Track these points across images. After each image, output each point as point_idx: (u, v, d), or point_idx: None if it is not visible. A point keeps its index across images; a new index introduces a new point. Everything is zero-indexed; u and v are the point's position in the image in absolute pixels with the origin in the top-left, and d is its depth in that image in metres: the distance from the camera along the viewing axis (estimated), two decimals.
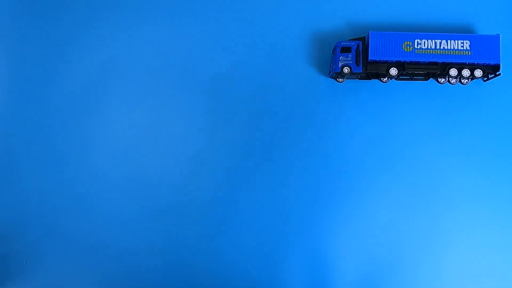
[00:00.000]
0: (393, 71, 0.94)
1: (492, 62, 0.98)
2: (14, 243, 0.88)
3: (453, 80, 0.99)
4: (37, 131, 0.88)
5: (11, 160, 0.89)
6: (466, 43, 0.96)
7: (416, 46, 0.95)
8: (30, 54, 0.89)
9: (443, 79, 1.00)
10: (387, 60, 0.96)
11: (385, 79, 0.96)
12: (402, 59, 0.95)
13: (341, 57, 0.93)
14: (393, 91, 1.01)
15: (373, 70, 0.96)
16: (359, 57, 0.94)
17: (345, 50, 0.94)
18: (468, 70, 0.97)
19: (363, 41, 0.98)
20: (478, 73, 0.98)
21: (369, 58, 0.94)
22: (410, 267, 0.94)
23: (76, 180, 0.89)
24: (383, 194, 0.95)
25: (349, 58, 0.93)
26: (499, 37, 0.99)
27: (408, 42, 0.93)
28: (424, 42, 0.95)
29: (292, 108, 0.93)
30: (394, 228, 0.95)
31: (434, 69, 0.97)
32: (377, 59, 0.95)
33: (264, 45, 0.93)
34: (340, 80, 0.95)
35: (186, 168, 0.91)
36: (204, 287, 0.89)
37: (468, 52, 0.97)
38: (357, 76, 0.96)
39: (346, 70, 0.92)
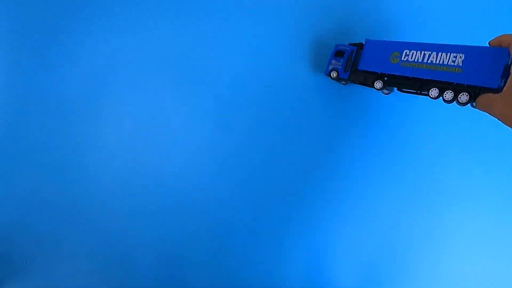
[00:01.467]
0: (378, 84, 0.82)
1: (487, 85, 0.66)
2: (14, 243, 0.88)
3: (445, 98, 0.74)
4: (37, 130, 0.88)
5: (11, 160, 0.89)
6: (460, 57, 0.69)
7: (402, 58, 0.74)
8: (29, 53, 0.89)
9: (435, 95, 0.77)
10: (375, 71, 0.80)
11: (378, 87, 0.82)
12: (385, 71, 0.77)
13: (333, 60, 0.85)
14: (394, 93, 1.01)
15: (357, 80, 0.83)
16: (349, 63, 0.83)
17: (339, 54, 0.84)
18: (451, 92, 0.72)
19: (361, 47, 0.83)
20: (463, 97, 0.70)
21: (359, 67, 0.80)
22: (410, 267, 0.95)
23: (77, 179, 0.89)
24: (383, 193, 0.95)
25: (340, 63, 0.84)
26: (508, 52, 0.62)
27: (396, 53, 0.75)
28: (413, 53, 0.73)
29: (294, 108, 0.93)
30: (394, 228, 0.95)
31: (415, 87, 0.77)
32: (366, 69, 0.81)
33: (268, 44, 0.93)
34: (343, 82, 0.89)
35: (186, 168, 0.91)
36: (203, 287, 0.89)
37: (457, 70, 0.70)
38: (343, 82, 0.89)
39: (334, 75, 0.85)
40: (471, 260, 0.96)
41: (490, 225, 1.00)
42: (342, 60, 0.83)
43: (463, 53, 0.69)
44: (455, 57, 0.70)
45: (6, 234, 0.88)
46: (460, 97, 0.70)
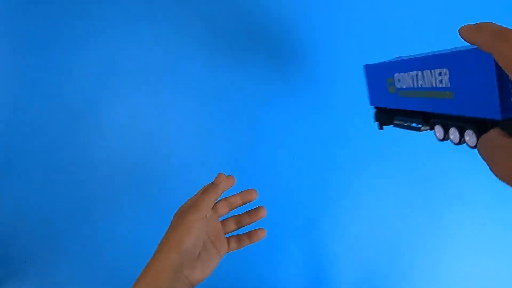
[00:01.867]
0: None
1: (486, 116, 0.39)
2: (14, 243, 0.88)
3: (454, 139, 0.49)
4: (36, 130, 0.88)
5: (11, 160, 0.88)
6: (444, 73, 0.44)
7: (397, 85, 0.53)
8: (28, 53, 0.88)
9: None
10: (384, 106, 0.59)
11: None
12: (388, 106, 0.57)
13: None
14: None
15: (383, 122, 0.62)
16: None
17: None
18: (456, 130, 0.46)
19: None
20: (469, 137, 0.44)
21: (370, 103, 0.62)
22: (410, 267, 0.94)
23: (77, 179, 0.89)
24: (383, 194, 0.95)
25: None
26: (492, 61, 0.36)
27: (390, 79, 0.55)
28: (403, 77, 0.51)
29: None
30: (394, 228, 0.95)
31: (419, 123, 0.55)
32: (377, 105, 0.60)
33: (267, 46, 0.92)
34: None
35: (186, 168, 0.91)
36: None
37: (448, 94, 0.44)
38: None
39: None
40: (471, 260, 0.96)
41: (490, 225, 1.00)
42: None
43: (446, 67, 0.43)
44: (440, 74, 0.44)
45: (6, 234, 0.88)
46: (465, 135, 0.44)
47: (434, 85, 0.45)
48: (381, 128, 0.62)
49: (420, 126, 0.53)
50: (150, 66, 0.89)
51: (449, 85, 0.43)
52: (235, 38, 0.91)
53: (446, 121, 0.46)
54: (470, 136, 0.43)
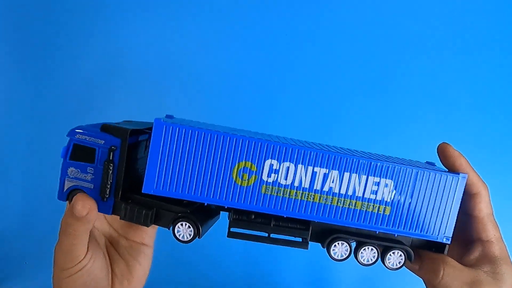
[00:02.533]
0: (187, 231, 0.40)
1: (431, 238, 0.40)
2: (14, 243, 0.88)
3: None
4: (36, 130, 0.88)
5: (11, 159, 0.89)
6: (385, 185, 0.38)
7: (265, 177, 0.38)
8: (28, 53, 0.89)
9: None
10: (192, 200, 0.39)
11: None
12: (226, 204, 0.39)
13: (71, 168, 0.40)
14: None
15: (135, 217, 0.39)
16: (108, 177, 0.39)
17: (82, 154, 0.40)
18: (375, 249, 0.41)
19: (124, 139, 0.38)
20: (393, 258, 0.41)
21: (144, 189, 0.38)
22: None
23: None
24: None
25: (89, 175, 0.39)
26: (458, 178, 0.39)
27: (247, 164, 0.38)
28: (288, 169, 0.38)
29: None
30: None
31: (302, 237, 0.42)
32: (162, 195, 0.38)
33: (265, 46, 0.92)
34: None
35: None
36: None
37: (382, 208, 0.39)
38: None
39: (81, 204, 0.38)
40: None
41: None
42: (92, 168, 0.39)
43: (391, 179, 0.39)
44: (377, 183, 0.39)
45: (6, 234, 0.88)
46: (389, 258, 0.41)
47: (358, 194, 0.39)
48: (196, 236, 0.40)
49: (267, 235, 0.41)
50: (154, 66, 0.89)
51: (388, 200, 0.39)
52: None
53: (359, 238, 0.41)
54: (394, 258, 0.41)
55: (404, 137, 0.89)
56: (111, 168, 0.38)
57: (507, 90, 0.93)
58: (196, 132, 0.37)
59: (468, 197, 0.40)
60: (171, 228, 0.40)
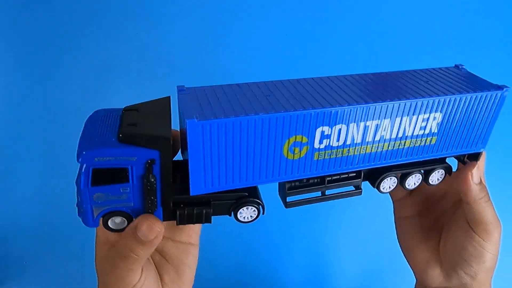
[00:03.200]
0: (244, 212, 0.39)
1: (471, 150, 0.43)
2: (14, 243, 0.88)
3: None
4: (36, 130, 0.88)
5: (11, 159, 0.88)
6: (434, 118, 0.38)
7: (317, 145, 0.35)
8: (28, 53, 0.88)
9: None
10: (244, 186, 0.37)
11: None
12: (281, 180, 0.38)
13: (97, 193, 0.33)
14: None
15: (197, 218, 0.37)
16: (151, 189, 0.33)
17: (109, 176, 0.32)
18: (419, 174, 0.44)
19: (164, 149, 0.32)
20: (436, 176, 0.44)
21: (191, 192, 0.34)
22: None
23: None
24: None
25: (124, 195, 0.33)
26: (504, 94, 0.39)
27: (299, 138, 0.34)
28: (339, 131, 0.35)
29: None
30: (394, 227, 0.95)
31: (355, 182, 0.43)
32: (212, 192, 0.36)
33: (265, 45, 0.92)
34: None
35: None
36: None
37: (429, 140, 0.40)
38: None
39: (115, 223, 0.36)
40: None
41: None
42: (127, 187, 0.33)
43: (440, 111, 0.38)
44: (426, 119, 0.38)
45: (6, 234, 0.88)
46: (431, 177, 0.45)
47: (407, 134, 0.38)
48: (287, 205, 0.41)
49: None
50: (154, 66, 0.89)
51: (435, 130, 0.39)
52: None
53: (405, 169, 0.42)
54: (436, 175, 0.45)
55: None
56: (154, 183, 0.33)
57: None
58: (238, 121, 0.32)
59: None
60: (232, 214, 0.39)
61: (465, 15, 0.92)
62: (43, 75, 0.88)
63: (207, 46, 0.90)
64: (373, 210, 0.95)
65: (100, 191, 0.33)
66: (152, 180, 0.33)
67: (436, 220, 0.51)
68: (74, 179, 0.33)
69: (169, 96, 0.37)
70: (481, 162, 0.45)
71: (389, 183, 0.44)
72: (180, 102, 0.35)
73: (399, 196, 0.53)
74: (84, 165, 0.31)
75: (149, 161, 0.32)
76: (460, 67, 0.45)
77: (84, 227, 0.40)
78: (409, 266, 0.54)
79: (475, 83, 0.40)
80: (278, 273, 0.93)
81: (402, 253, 0.54)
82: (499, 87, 0.39)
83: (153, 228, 0.33)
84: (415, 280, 0.56)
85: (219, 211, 0.38)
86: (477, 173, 0.43)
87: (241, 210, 0.38)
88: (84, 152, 0.31)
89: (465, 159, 0.45)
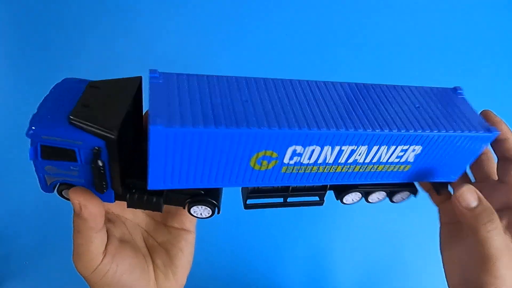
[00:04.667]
0: (200, 210, 0.39)
1: (444, 179, 0.43)
2: (14, 243, 0.88)
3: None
4: None
5: (11, 159, 0.88)
6: (413, 150, 0.37)
7: (286, 161, 0.34)
8: (28, 55, 0.88)
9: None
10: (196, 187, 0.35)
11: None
12: (244, 185, 0.36)
13: (48, 165, 0.34)
14: None
15: (144, 205, 0.37)
16: (100, 170, 0.32)
17: (57, 154, 0.32)
18: (383, 193, 0.46)
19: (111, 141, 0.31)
20: (400, 195, 0.47)
21: (149, 185, 0.33)
22: (411, 267, 0.94)
23: None
24: None
25: (76, 172, 0.33)
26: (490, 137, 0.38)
27: (269, 153, 0.33)
28: (311, 151, 0.34)
29: None
30: (395, 226, 0.95)
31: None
32: (172, 188, 0.34)
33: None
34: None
35: None
36: None
37: (403, 167, 0.39)
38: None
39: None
40: None
41: None
42: (76, 166, 0.33)
43: (421, 144, 0.37)
44: (404, 150, 0.37)
45: (6, 234, 0.88)
46: (395, 197, 0.48)
47: (382, 160, 0.37)
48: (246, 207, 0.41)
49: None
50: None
51: (411, 160, 0.38)
52: None
53: (371, 188, 0.43)
54: (401, 195, 0.47)
55: None
56: (102, 168, 0.32)
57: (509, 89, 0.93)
58: (205, 133, 0.30)
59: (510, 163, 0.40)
60: (185, 207, 0.39)
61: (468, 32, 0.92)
62: (43, 75, 0.87)
63: (208, 46, 0.90)
64: (373, 211, 0.95)
65: (50, 164, 0.33)
66: (101, 164, 0.32)
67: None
68: None
69: (141, 77, 0.35)
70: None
71: (352, 197, 0.44)
72: (150, 90, 0.32)
73: (439, 200, 0.49)
74: (33, 140, 0.32)
75: (96, 149, 0.31)
76: (458, 91, 0.43)
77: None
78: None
79: (465, 118, 0.38)
80: (278, 273, 0.93)
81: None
82: (488, 129, 0.38)
83: (81, 203, 0.34)
84: (414, 281, 0.56)
85: (173, 202, 0.38)
86: (469, 195, 0.36)
87: (194, 207, 0.39)
88: (33, 128, 0.31)
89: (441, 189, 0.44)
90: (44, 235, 0.88)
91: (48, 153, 0.32)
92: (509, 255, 0.36)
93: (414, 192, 0.46)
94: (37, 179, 0.36)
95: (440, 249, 0.46)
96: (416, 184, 0.47)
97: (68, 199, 0.36)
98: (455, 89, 0.43)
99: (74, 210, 0.35)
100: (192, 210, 0.39)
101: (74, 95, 0.34)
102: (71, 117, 0.31)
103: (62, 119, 0.31)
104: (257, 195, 0.39)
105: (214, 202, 0.38)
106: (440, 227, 0.49)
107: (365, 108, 0.36)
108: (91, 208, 0.34)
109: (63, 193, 0.37)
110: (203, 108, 0.31)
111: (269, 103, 0.34)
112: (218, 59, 0.90)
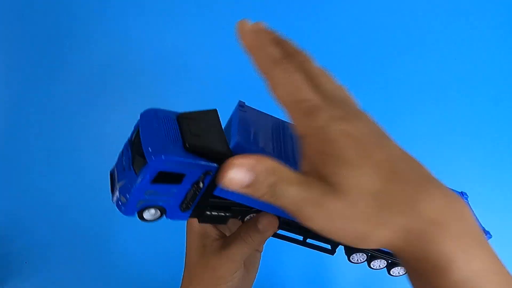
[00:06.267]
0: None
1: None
2: (14, 243, 0.88)
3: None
4: (36, 130, 0.88)
5: (11, 159, 0.88)
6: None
7: None
8: (28, 53, 0.88)
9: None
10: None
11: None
12: (282, 215, 0.41)
13: (151, 190, 0.34)
14: None
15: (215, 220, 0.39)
16: (197, 194, 0.35)
17: (168, 178, 0.33)
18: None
19: (221, 163, 0.29)
20: (398, 269, 0.51)
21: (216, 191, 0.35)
22: None
23: (77, 179, 0.89)
24: None
25: (172, 194, 0.36)
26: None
27: None
28: None
29: None
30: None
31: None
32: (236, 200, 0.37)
33: None
34: None
35: None
36: None
37: None
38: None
39: (151, 214, 0.37)
40: None
41: (492, 223, 0.99)
42: (177, 188, 0.35)
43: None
44: None
45: (6, 234, 0.88)
46: (392, 271, 0.55)
47: None
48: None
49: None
50: (154, 65, 0.89)
51: None
52: None
53: (374, 253, 0.49)
54: (398, 269, 0.55)
55: (403, 134, 0.89)
56: (199, 191, 0.35)
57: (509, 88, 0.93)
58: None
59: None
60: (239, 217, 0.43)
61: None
62: (43, 75, 0.87)
63: (211, 45, 0.89)
64: None
65: (154, 188, 0.34)
66: (201, 186, 0.35)
67: None
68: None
69: (216, 109, 0.39)
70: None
71: (358, 257, 0.49)
72: (236, 118, 0.37)
73: None
74: (154, 166, 0.32)
75: (206, 172, 0.34)
76: (464, 195, 0.49)
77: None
78: None
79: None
80: (278, 273, 0.93)
81: None
82: (461, 194, 0.42)
83: (272, 223, 0.39)
84: None
85: (235, 215, 0.42)
86: (233, 175, 0.26)
87: (248, 215, 0.42)
88: (157, 155, 0.32)
89: None
90: (44, 235, 0.88)
91: (158, 178, 0.33)
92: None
93: None
94: (124, 203, 0.36)
95: None
96: None
97: (147, 220, 0.38)
98: (462, 194, 0.50)
99: (257, 228, 0.39)
100: (246, 217, 0.43)
101: (171, 125, 0.36)
102: (187, 145, 0.33)
103: (179, 147, 0.34)
104: (286, 227, 0.44)
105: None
106: None
107: None
108: (275, 229, 0.41)
109: (144, 214, 0.38)
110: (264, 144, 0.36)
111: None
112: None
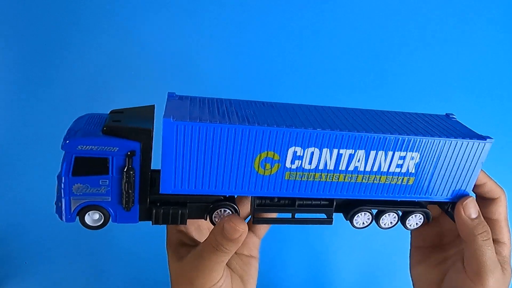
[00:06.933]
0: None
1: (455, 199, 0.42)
2: (14, 243, 0.88)
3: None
4: (36, 130, 0.88)
5: (11, 159, 0.89)
6: (410, 157, 0.38)
7: (289, 165, 0.36)
8: (28, 52, 0.88)
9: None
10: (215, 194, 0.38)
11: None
12: (250, 194, 0.38)
13: (77, 184, 0.34)
14: None
15: (168, 219, 0.38)
16: (130, 186, 0.34)
17: (89, 166, 0.33)
18: (394, 215, 0.45)
19: (145, 142, 0.34)
20: (413, 220, 0.45)
21: (161, 190, 0.36)
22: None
23: None
24: None
25: (103, 188, 0.34)
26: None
27: (271, 154, 0.35)
28: (313, 154, 0.36)
29: None
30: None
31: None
32: (182, 193, 0.37)
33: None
34: None
35: None
36: None
37: (406, 179, 0.40)
38: None
39: (92, 218, 0.37)
40: None
41: None
42: (106, 179, 0.34)
43: (418, 152, 0.37)
44: (403, 157, 0.38)
45: (6, 234, 0.88)
46: (408, 221, 0.46)
47: (383, 170, 0.39)
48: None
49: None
50: (154, 65, 0.89)
51: (413, 171, 0.39)
52: None
53: (380, 206, 0.44)
54: (414, 220, 0.45)
55: None
56: (133, 176, 0.34)
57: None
58: (212, 127, 0.33)
59: (488, 202, 0.44)
60: (207, 217, 0.40)
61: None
62: (43, 75, 0.88)
63: (210, 44, 0.90)
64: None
65: (80, 181, 0.34)
66: (131, 172, 0.34)
67: (446, 257, 0.49)
68: None
69: (154, 105, 0.39)
70: (504, 201, 0.44)
71: (363, 219, 0.45)
72: (167, 102, 0.37)
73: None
74: (69, 152, 0.34)
75: (130, 152, 0.33)
76: (450, 116, 0.46)
77: (84, 228, 0.40)
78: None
79: (458, 131, 0.41)
80: (278, 273, 0.93)
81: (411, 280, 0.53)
82: (482, 137, 0.40)
83: (237, 229, 0.36)
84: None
85: (195, 213, 0.39)
86: (472, 206, 0.41)
87: (215, 213, 0.40)
88: (67, 141, 0.34)
89: (449, 209, 0.44)
90: (44, 236, 0.88)
91: (79, 168, 0.33)
92: (500, 270, 0.41)
93: (427, 214, 0.45)
94: (58, 208, 0.36)
95: (410, 269, 0.52)
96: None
97: (92, 227, 0.38)
98: (447, 115, 0.46)
99: (228, 235, 0.36)
100: (213, 216, 0.40)
101: (98, 120, 0.37)
102: (104, 128, 0.34)
103: (95, 132, 0.34)
104: (264, 208, 0.41)
105: (235, 205, 0.40)
106: (411, 250, 0.53)
107: (360, 120, 0.39)
108: (244, 232, 0.37)
109: (86, 219, 0.37)
110: (212, 113, 0.36)
111: (272, 115, 0.37)
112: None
